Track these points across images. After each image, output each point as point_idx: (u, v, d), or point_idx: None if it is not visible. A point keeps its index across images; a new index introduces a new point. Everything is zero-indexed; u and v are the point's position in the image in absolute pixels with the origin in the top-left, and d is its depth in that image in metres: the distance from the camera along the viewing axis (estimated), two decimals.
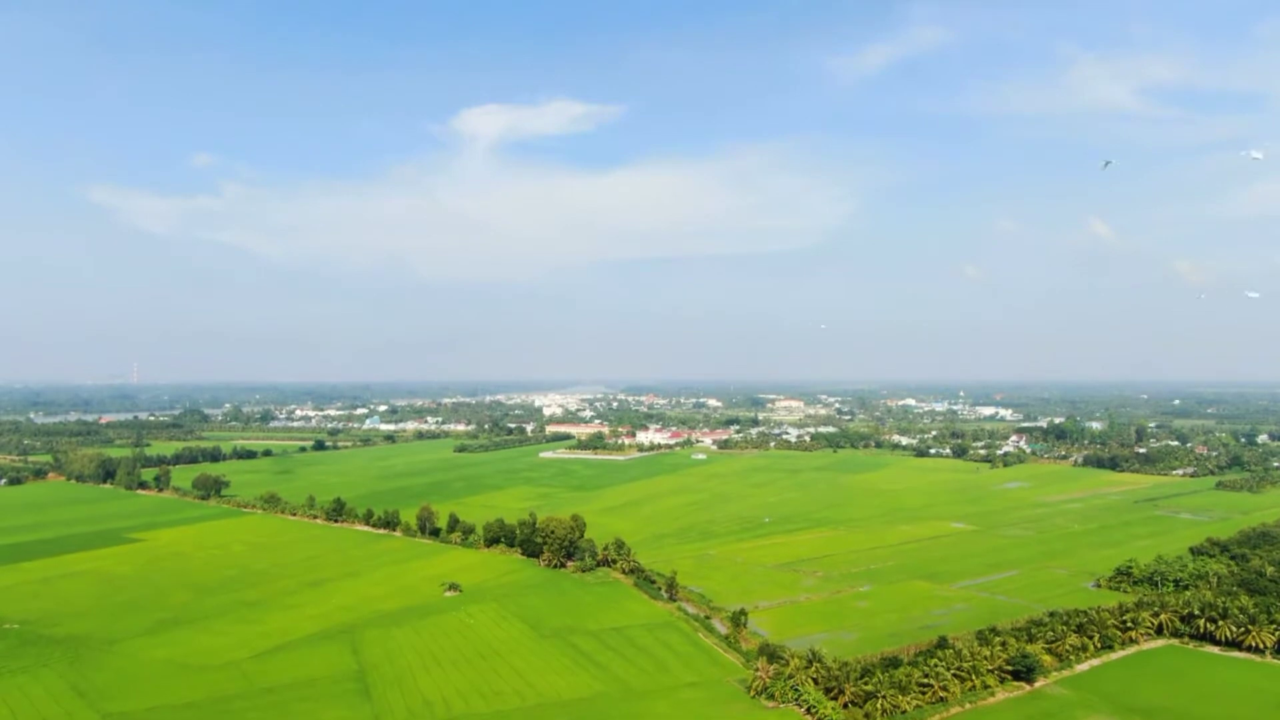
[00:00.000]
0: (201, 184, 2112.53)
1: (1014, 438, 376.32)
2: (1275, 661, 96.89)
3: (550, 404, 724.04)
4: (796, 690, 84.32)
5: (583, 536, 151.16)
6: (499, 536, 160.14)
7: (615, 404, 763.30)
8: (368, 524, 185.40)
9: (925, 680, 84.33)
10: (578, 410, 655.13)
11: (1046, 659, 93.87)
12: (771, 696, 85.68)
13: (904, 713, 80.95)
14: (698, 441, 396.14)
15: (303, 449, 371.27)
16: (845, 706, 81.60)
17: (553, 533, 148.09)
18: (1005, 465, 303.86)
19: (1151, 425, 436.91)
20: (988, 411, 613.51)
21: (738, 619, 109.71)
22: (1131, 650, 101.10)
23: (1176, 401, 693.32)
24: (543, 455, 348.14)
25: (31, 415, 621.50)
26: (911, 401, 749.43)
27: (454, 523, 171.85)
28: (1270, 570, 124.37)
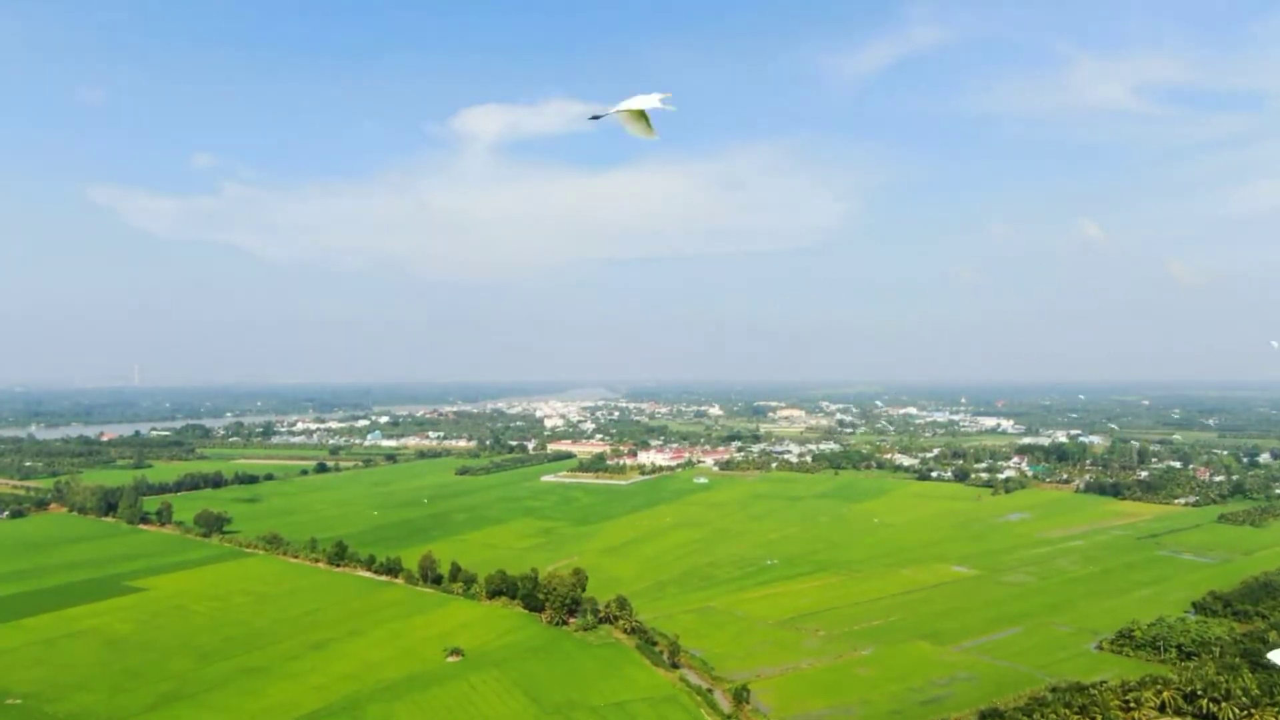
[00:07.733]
0: (201, 184, 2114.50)
1: (1015, 458, 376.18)
2: None
3: (551, 414, 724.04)
4: None
5: (584, 591, 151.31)
6: (501, 589, 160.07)
7: (616, 413, 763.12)
8: (370, 569, 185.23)
9: None
10: (579, 422, 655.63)
11: None
12: None
13: None
14: (699, 462, 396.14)
15: (304, 471, 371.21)
16: None
17: (555, 590, 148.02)
18: (1007, 491, 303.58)
19: (1153, 442, 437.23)
20: (989, 423, 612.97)
21: (740, 695, 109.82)
22: None
23: (1176, 412, 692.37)
24: (544, 479, 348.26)
25: (33, 429, 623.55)
26: (913, 410, 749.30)
27: (455, 572, 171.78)
28: (1273, 636, 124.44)
